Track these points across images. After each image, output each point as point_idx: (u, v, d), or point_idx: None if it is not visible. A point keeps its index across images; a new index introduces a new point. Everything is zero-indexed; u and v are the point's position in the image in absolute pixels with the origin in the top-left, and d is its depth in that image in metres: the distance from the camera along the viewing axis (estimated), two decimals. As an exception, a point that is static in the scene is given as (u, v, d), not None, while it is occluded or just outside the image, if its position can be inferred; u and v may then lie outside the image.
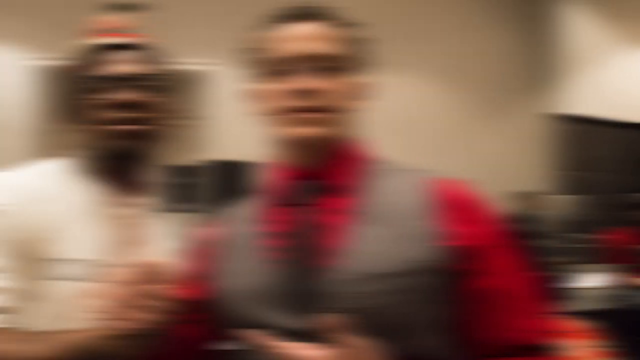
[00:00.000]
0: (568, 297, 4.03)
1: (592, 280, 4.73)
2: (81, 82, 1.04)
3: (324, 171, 0.97)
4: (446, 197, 0.93)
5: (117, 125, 1.01)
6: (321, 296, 0.86)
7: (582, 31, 6.22)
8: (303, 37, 0.94)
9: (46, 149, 5.86)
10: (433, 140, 6.16)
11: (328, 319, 0.73)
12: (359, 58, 1.01)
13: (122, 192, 1.09)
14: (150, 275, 0.91)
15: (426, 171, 1.00)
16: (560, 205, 5.99)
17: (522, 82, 6.54)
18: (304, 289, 0.88)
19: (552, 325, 0.92)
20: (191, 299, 1.08)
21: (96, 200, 1.05)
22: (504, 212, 5.94)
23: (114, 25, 1.14)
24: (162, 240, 1.22)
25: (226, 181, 4.20)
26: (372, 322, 0.83)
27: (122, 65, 1.04)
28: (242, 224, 1.05)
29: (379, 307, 0.84)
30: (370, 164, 1.01)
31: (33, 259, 0.93)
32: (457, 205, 0.92)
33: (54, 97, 5.42)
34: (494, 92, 6.43)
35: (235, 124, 5.63)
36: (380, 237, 0.89)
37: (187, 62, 5.76)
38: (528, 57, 6.54)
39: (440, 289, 0.88)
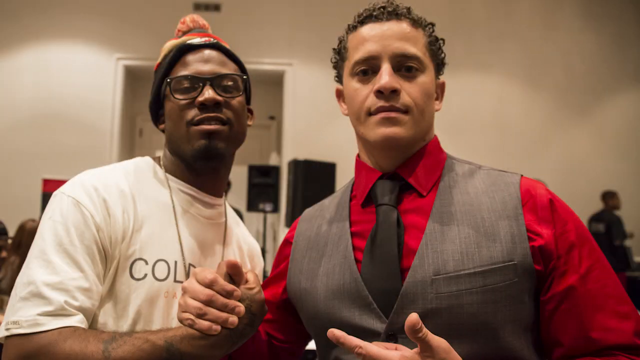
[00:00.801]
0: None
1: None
2: (166, 81, 1.05)
3: (405, 171, 0.96)
4: (528, 198, 0.90)
5: (200, 125, 1.01)
6: (402, 296, 0.85)
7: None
8: (386, 37, 0.93)
9: (132, 149, 6.19)
10: (516, 140, 6.01)
11: (409, 319, 0.71)
12: (441, 58, 1.00)
13: (205, 192, 1.10)
14: (233, 275, 0.91)
15: (508, 171, 0.97)
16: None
17: (606, 82, 6.23)
18: (386, 289, 0.87)
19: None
20: (274, 299, 1.08)
21: (179, 200, 1.06)
22: (588, 212, 5.67)
23: (198, 26, 1.15)
24: (245, 241, 1.22)
25: (307, 181, 4.23)
26: (454, 322, 0.82)
27: (205, 65, 1.05)
28: (324, 223, 1.04)
29: (461, 307, 0.82)
30: (452, 164, 0.99)
31: (115, 259, 0.94)
32: (539, 206, 0.89)
33: (141, 97, 5.70)
34: (578, 91, 6.17)
35: (316, 123, 5.71)
36: (461, 237, 0.87)
37: (268, 62, 5.89)
38: (612, 57, 6.23)
39: (523, 288, 0.85)
